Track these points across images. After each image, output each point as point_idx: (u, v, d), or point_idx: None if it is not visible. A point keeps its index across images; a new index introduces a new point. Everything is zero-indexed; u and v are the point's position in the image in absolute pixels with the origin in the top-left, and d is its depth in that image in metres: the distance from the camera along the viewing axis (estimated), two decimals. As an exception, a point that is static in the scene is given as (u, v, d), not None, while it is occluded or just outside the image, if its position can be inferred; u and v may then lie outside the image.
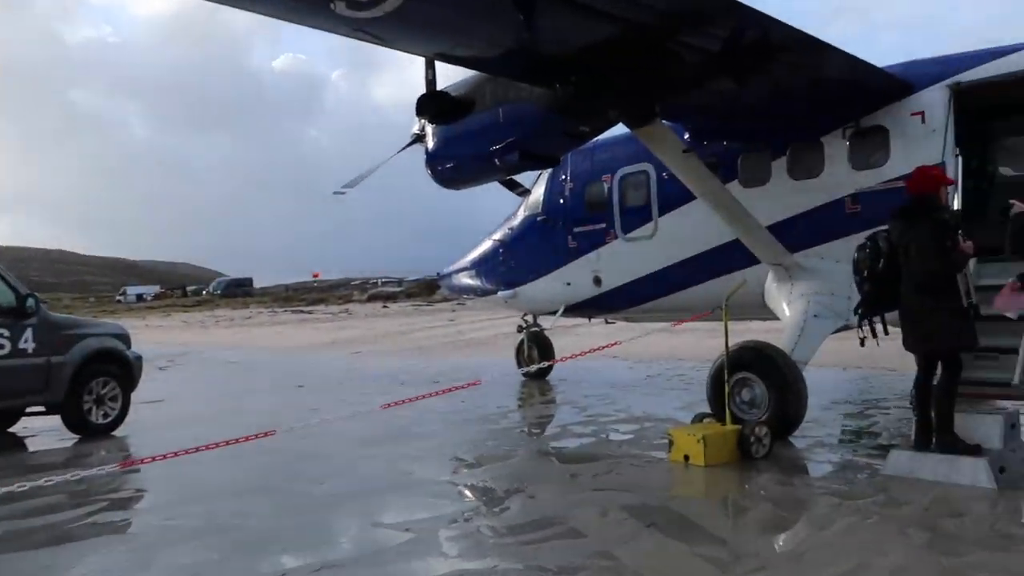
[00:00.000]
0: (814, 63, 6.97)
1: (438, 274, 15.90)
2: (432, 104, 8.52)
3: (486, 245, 13.34)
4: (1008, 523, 4.70)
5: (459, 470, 6.95)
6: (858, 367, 12.66)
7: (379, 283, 73.23)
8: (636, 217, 10.58)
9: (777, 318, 9.32)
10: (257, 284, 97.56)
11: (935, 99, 7.77)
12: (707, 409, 7.86)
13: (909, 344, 6.14)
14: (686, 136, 9.59)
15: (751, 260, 8.98)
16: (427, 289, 52.03)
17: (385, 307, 50.38)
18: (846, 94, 7.87)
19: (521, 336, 13.81)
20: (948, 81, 7.72)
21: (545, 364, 12.26)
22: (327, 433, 8.09)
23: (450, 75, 8.47)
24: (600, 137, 11.38)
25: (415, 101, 8.68)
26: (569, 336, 19.86)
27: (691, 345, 17.40)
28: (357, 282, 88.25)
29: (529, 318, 13.67)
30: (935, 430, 5.97)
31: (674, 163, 8.01)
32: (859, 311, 6.40)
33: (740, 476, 6.18)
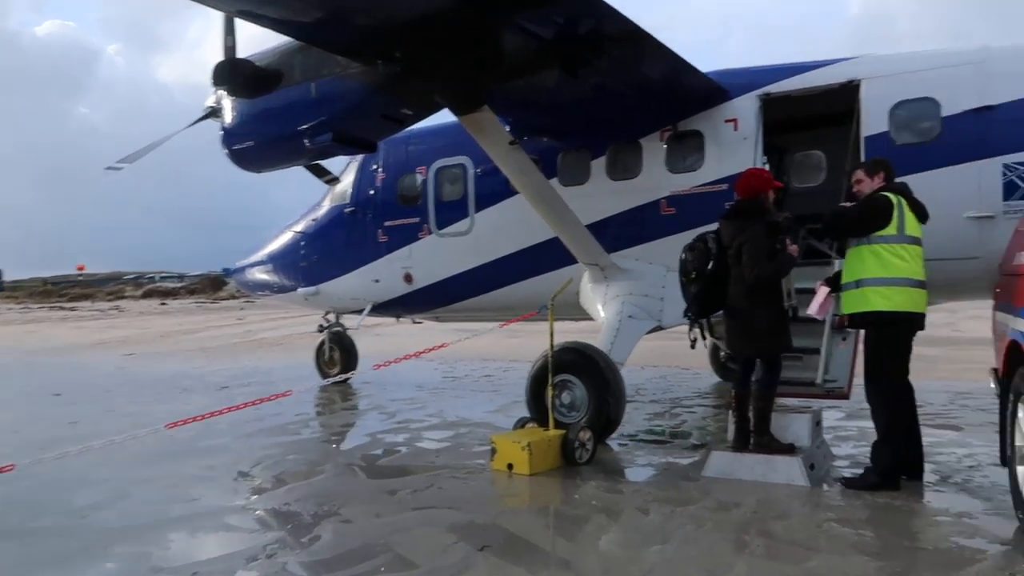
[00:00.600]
0: (645, 58, 6.88)
1: (226, 269, 14.45)
2: (232, 73, 7.48)
3: (285, 237, 12.24)
4: (832, 523, 4.74)
5: (257, 493, 6.04)
6: (655, 365, 13.12)
7: (156, 278, 67.06)
8: (452, 212, 10.10)
9: (589, 319, 9.30)
10: (9, 277, 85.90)
11: (747, 107, 8.04)
12: (522, 412, 7.55)
13: (735, 345, 6.18)
14: (507, 130, 9.31)
15: (568, 260, 8.84)
16: (212, 285, 48.26)
17: (163, 304, 46.13)
18: (668, 95, 7.92)
19: (322, 337, 12.83)
20: (759, 91, 8.02)
21: (344, 376, 11.42)
22: (91, 452, 6.77)
23: (257, 42, 7.51)
24: (416, 127, 10.88)
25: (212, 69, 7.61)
26: (371, 336, 19.06)
27: (493, 345, 17.30)
28: (131, 276, 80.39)
29: (331, 317, 12.74)
30: (753, 431, 6.05)
31: (498, 156, 7.61)
32: (689, 313, 6.33)
33: (568, 485, 5.88)
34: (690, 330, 6.50)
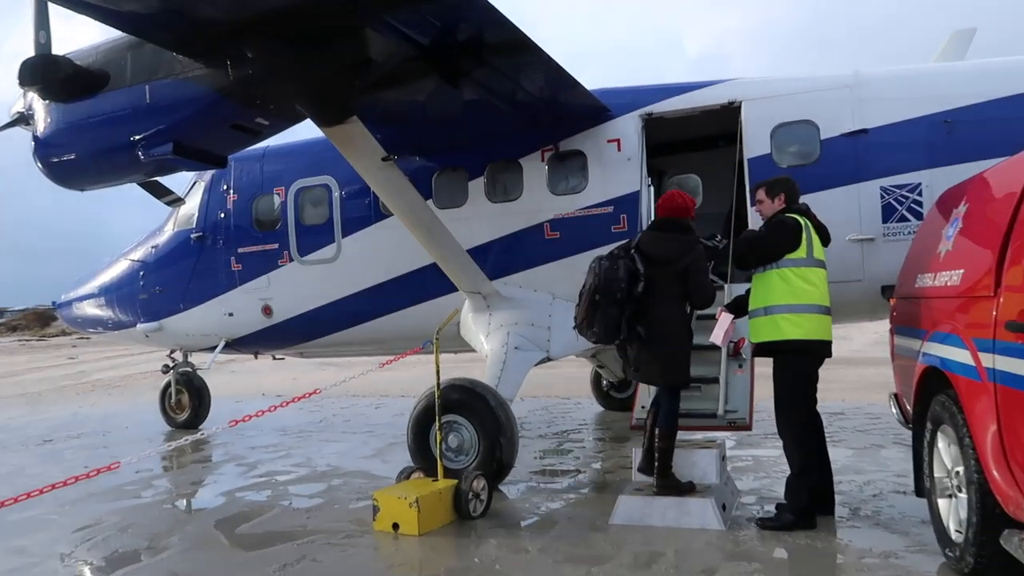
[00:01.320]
0: (530, 70, 6.39)
1: (54, 303, 12.65)
2: (45, 72, 6.32)
3: (121, 266, 10.80)
4: (760, 574, 4.31)
5: (83, 579, 4.90)
6: (534, 396, 12.64)
7: (-29, 313, 59.94)
8: (315, 237, 9.19)
9: (469, 350, 8.67)
10: None
11: (630, 127, 7.73)
12: (400, 456, 6.77)
13: (654, 373, 5.61)
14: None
15: (446, 288, 8.20)
16: (39, 320, 43.61)
17: (-22, 343, 41.03)
18: (550, 112, 7.48)
19: (167, 378, 11.40)
20: (641, 110, 7.74)
21: (192, 436, 10.13)
22: None
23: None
24: (270, 143, 9.89)
25: (17, 68, 6.40)
26: (225, 374, 17.50)
27: (360, 379, 16.29)
28: (-61, 312, 71.45)
29: (178, 355, 11.35)
30: (656, 472, 5.58)
31: (369, 174, 6.86)
32: (621, 338, 5.62)
33: (465, 546, 5.17)
34: (623, 356, 5.82)
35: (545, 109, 7.45)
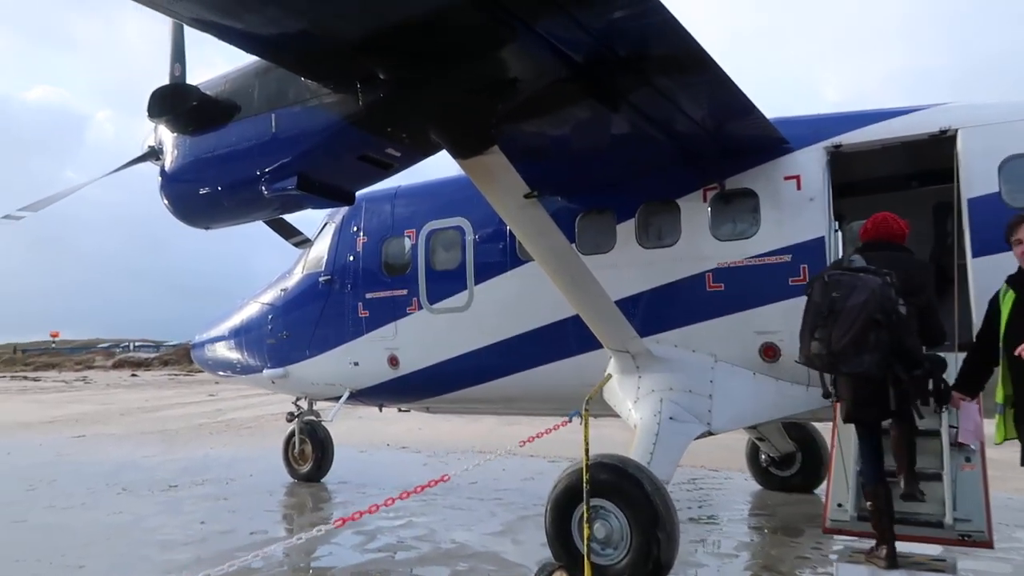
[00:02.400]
0: (706, 93, 5.40)
1: (192, 343, 12.65)
2: (173, 101, 5.96)
3: (251, 309, 10.53)
4: None
5: None
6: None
7: (131, 347, 64.61)
8: (446, 284, 8.48)
9: (612, 415, 7.59)
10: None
11: (812, 161, 6.56)
12: (531, 532, 5.77)
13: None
14: None
15: (590, 344, 7.21)
16: (188, 356, 46.23)
17: (134, 376, 43.76)
18: (718, 145, 6.44)
19: (291, 427, 10.98)
20: (826, 142, 6.55)
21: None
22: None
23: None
24: (403, 182, 9.36)
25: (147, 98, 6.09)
26: (352, 419, 17.20)
27: (489, 433, 15.49)
28: (105, 345, 77.80)
29: (303, 403, 10.92)
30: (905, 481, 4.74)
31: (510, 212, 6.03)
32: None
33: None
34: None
35: (711, 140, 6.41)
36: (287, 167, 5.53)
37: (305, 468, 10.83)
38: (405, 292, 8.78)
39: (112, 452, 14.54)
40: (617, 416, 7.29)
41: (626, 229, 7.37)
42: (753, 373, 6.72)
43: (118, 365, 48.63)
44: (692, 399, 6.72)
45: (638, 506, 5.45)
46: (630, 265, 7.29)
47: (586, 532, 5.19)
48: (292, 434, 10.95)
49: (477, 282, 8.26)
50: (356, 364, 9.25)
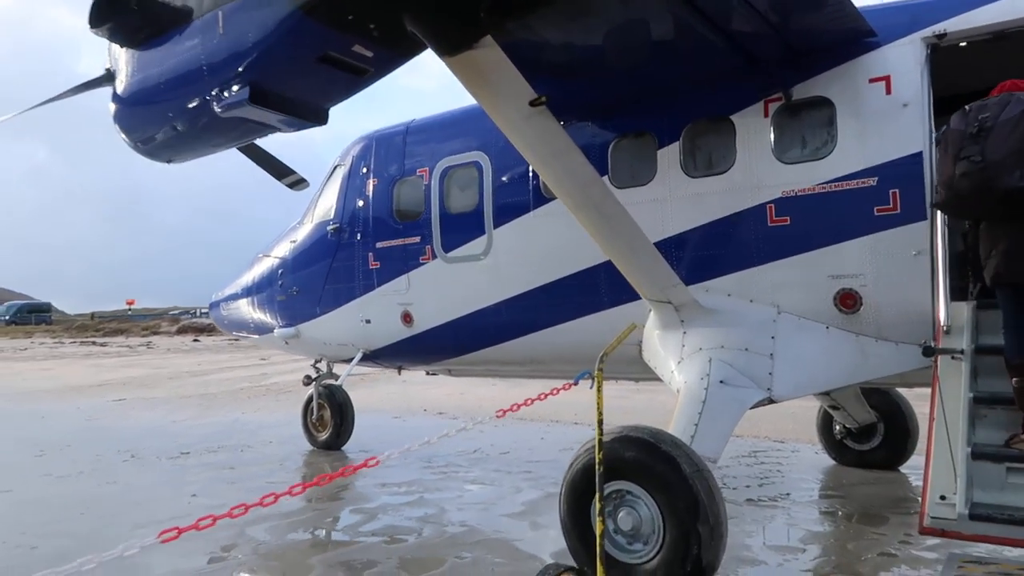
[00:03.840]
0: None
1: (210, 302, 11.90)
2: (114, 7, 4.93)
3: (263, 265, 9.65)
4: None
5: None
6: (736, 435, 9.99)
7: (197, 312, 66.01)
8: (462, 229, 7.37)
9: (657, 379, 6.40)
10: (65, 310, 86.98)
11: (907, 58, 5.13)
12: (557, 533, 4.66)
13: None
14: None
15: (628, 294, 6.02)
16: (247, 321, 46.49)
17: (196, 341, 44.34)
18: (780, 40, 5.10)
19: (309, 391, 10.12)
20: (925, 31, 5.11)
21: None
22: None
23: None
24: (418, 118, 8.25)
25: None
26: (393, 384, 16.42)
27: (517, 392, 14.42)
28: (177, 312, 79.76)
29: (323, 365, 10.03)
30: None
31: (513, 126, 4.82)
32: None
33: None
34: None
35: (774, 37, 5.07)
36: (237, 76, 4.45)
37: (324, 435, 9.97)
38: (418, 240, 7.70)
39: (143, 416, 14.07)
40: (655, 378, 6.10)
41: (669, 155, 6.08)
42: (826, 327, 5.42)
43: (182, 331, 49.39)
44: (749, 359, 5.47)
45: (673, 491, 4.27)
46: (674, 198, 6.02)
47: (598, 527, 4.06)
48: (310, 399, 10.09)
49: (496, 225, 7.11)
50: (368, 322, 8.28)
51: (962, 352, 4.46)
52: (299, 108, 4.77)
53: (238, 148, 7.18)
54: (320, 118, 4.99)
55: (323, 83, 4.61)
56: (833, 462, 8.28)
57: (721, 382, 5.37)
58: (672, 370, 5.82)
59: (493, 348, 7.41)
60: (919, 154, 4.99)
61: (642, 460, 4.38)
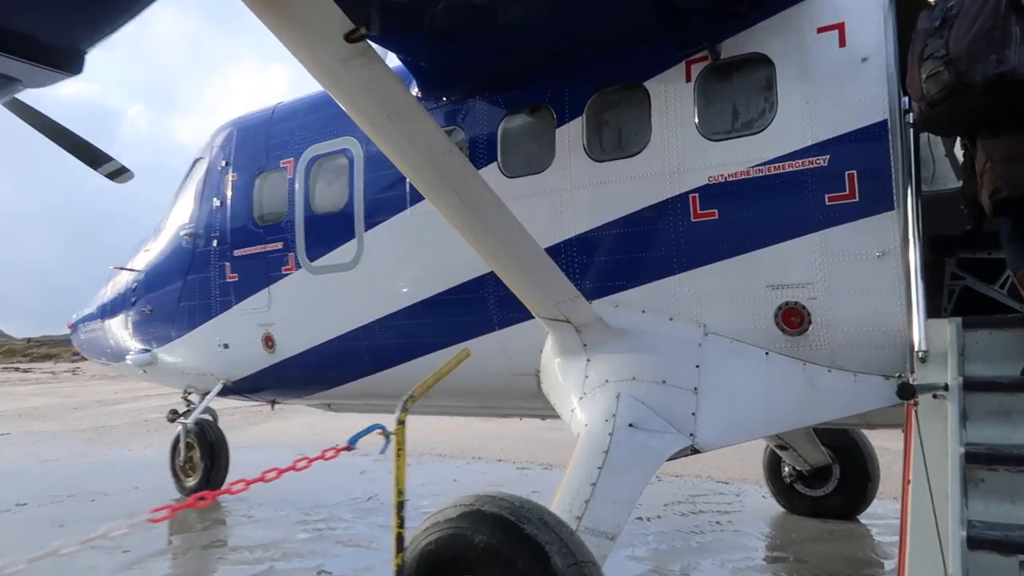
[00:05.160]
0: None
1: (70, 323, 10.26)
2: None
3: (119, 280, 8.13)
4: None
5: None
6: (672, 473, 8.70)
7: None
8: (329, 232, 5.99)
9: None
10: (12, 333, 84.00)
11: (865, 3, 3.94)
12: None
13: None
14: (415, 91, 5.38)
15: (521, 310, 4.70)
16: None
17: (128, 365, 42.28)
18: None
19: (177, 429, 8.56)
20: (888, -33, 3.93)
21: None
22: None
23: None
24: (288, 99, 6.91)
25: None
26: (305, 414, 14.88)
27: (452, 430, 13.03)
28: (117, 334, 76.74)
29: (195, 398, 8.48)
30: None
31: (331, 76, 3.47)
32: None
33: None
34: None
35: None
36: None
37: (192, 481, 8.41)
38: (280, 246, 6.30)
39: (16, 454, 12.34)
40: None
41: (570, 134, 4.79)
42: (766, 353, 4.16)
43: (114, 355, 47.03)
44: (667, 395, 4.17)
45: (540, 600, 2.92)
46: (576, 188, 4.73)
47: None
48: (178, 439, 8.53)
49: (368, 227, 5.75)
50: (226, 347, 6.83)
51: (946, 388, 3.22)
52: (42, 50, 3.36)
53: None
54: (72, 65, 3.58)
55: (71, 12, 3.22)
56: (782, 509, 7.01)
57: (630, 426, 4.07)
58: (572, 408, 4.50)
59: (368, 379, 6.02)
60: (882, 124, 3.77)
61: (496, 549, 3.03)
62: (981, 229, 4.97)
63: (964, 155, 3.61)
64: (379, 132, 3.68)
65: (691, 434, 4.06)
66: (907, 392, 3.03)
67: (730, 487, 8.23)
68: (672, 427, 4.09)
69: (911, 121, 3.65)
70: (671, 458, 4.05)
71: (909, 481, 3.08)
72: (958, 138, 4.54)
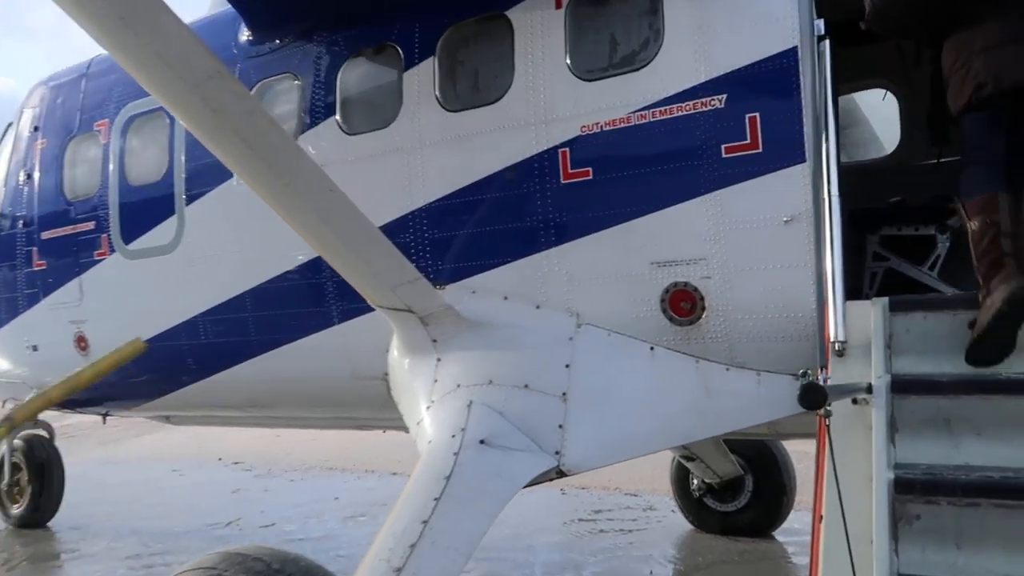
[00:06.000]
0: None
1: None
2: None
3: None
4: None
5: None
6: (572, 485, 7.85)
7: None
8: (148, 208, 4.93)
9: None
10: None
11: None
12: None
13: None
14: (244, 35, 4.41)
15: (363, 301, 3.76)
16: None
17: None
18: None
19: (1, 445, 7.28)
20: None
21: None
22: None
23: None
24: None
25: None
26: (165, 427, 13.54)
27: (363, 441, 11.96)
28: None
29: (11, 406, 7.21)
30: None
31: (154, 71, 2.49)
32: None
33: None
34: None
35: None
36: None
37: (19, 509, 7.16)
38: (92, 226, 5.19)
39: None
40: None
41: (419, 79, 3.86)
42: (651, 348, 3.31)
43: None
44: (530, 402, 3.29)
45: None
46: (426, 146, 3.81)
47: None
48: (1, 458, 7.26)
49: (189, 201, 4.71)
50: (35, 349, 5.68)
51: (868, 391, 2.42)
52: None
53: None
54: None
55: None
56: (690, 525, 6.24)
57: (482, 442, 3.18)
58: (419, 420, 3.58)
59: (197, 387, 4.96)
60: (792, 52, 2.97)
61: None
62: (906, 204, 4.29)
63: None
64: (141, 72, 2.70)
65: (557, 452, 3.18)
66: (814, 397, 2.19)
67: (639, 500, 7.43)
68: (534, 444, 3.21)
69: (826, 49, 2.86)
70: (531, 483, 3.17)
71: (821, 517, 2.28)
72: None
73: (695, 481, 6.10)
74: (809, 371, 2.39)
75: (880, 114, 5.13)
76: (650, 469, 8.38)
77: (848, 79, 4.98)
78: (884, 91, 4.96)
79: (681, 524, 6.35)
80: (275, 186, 3.07)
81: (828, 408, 2.16)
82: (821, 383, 2.29)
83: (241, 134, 2.84)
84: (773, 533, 5.95)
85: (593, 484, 7.92)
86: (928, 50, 2.82)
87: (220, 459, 11.40)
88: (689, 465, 5.88)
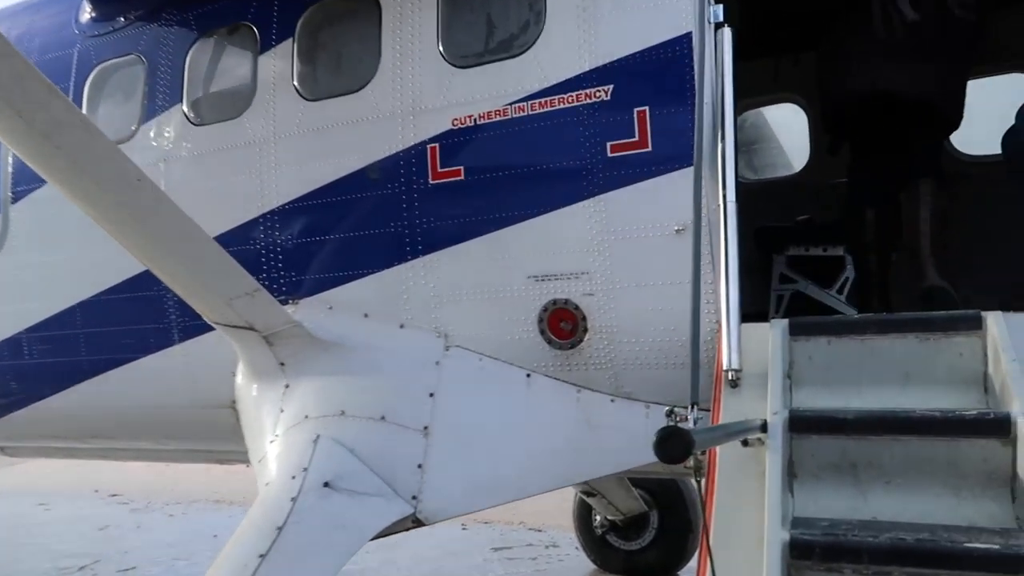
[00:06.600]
0: None
1: None
2: None
3: None
4: None
5: None
6: (473, 518, 7.36)
7: None
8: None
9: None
10: None
11: None
12: None
13: None
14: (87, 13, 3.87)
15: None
16: None
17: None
18: None
19: None
20: None
21: None
22: None
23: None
24: None
25: None
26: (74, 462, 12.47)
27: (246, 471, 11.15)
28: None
29: None
30: None
31: None
32: None
33: None
34: None
35: None
36: None
37: None
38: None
39: None
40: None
41: (276, 63, 3.36)
42: (527, 375, 2.86)
43: None
44: (385, 438, 2.81)
45: None
46: (281, 139, 3.31)
47: None
48: None
49: (16, 197, 4.07)
50: None
51: (763, 429, 2.03)
52: None
53: None
54: None
55: None
56: (592, 564, 5.81)
57: (326, 485, 2.66)
58: (262, 457, 3.04)
59: (23, 414, 4.26)
60: (684, 39, 2.60)
61: None
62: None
63: None
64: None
65: (414, 497, 2.70)
66: (674, 447, 1.69)
67: (543, 536, 6.99)
68: (388, 487, 2.72)
69: (725, 37, 2.50)
70: (382, 534, 2.67)
71: (709, 523, 1.88)
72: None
73: (598, 518, 5.68)
74: (672, 408, 1.95)
75: (789, 131, 4.90)
76: (561, 501, 7.96)
77: (757, 93, 4.75)
78: (795, 105, 4.73)
79: (584, 564, 5.91)
80: (87, 186, 2.52)
81: (700, 458, 1.73)
82: (685, 426, 1.82)
83: (58, 139, 2.29)
84: (679, 573, 5.58)
85: (497, 518, 7.43)
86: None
87: (96, 491, 10.45)
88: (591, 501, 5.45)
